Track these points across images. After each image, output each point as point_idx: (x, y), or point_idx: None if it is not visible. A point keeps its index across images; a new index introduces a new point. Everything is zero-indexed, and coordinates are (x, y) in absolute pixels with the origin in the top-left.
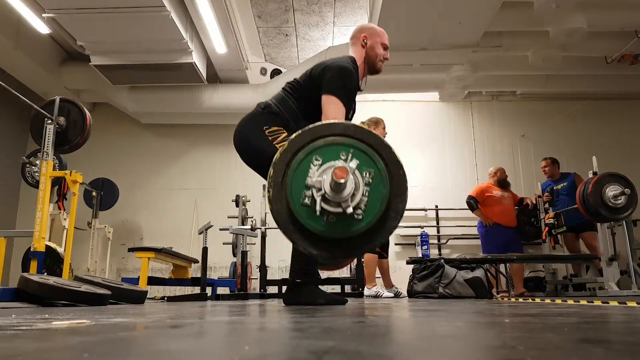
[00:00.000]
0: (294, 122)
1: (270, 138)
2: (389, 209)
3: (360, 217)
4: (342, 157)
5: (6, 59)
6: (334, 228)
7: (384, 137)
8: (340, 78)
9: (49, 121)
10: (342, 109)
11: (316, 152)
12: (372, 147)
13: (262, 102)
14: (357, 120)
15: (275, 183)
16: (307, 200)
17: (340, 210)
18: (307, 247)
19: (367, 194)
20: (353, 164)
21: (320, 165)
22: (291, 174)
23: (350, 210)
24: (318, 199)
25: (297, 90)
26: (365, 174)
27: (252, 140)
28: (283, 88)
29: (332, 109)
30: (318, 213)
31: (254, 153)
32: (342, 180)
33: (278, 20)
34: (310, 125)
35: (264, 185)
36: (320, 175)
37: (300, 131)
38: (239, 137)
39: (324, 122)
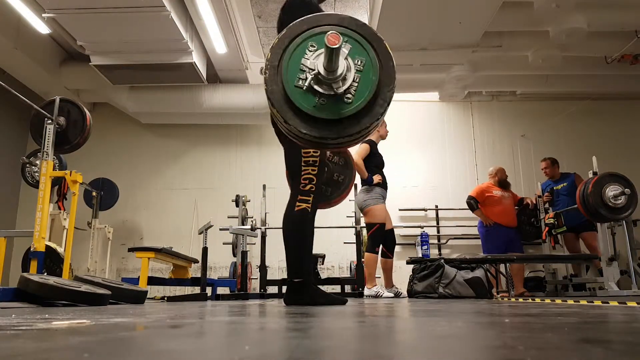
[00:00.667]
0: None
1: None
2: (377, 96)
3: (349, 100)
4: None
5: (6, 59)
6: (325, 109)
7: (386, 136)
8: (303, 5)
9: (49, 121)
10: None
11: (312, 38)
12: (365, 38)
13: None
14: None
15: (272, 66)
16: (301, 82)
17: (331, 92)
18: (298, 126)
19: (357, 80)
20: (346, 48)
21: (316, 50)
22: (287, 56)
23: (341, 90)
24: (310, 78)
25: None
26: (357, 61)
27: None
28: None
29: None
30: (311, 92)
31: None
32: (336, 45)
33: None
34: (307, 16)
35: (263, 185)
36: (315, 58)
37: (298, 20)
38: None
39: (321, 13)
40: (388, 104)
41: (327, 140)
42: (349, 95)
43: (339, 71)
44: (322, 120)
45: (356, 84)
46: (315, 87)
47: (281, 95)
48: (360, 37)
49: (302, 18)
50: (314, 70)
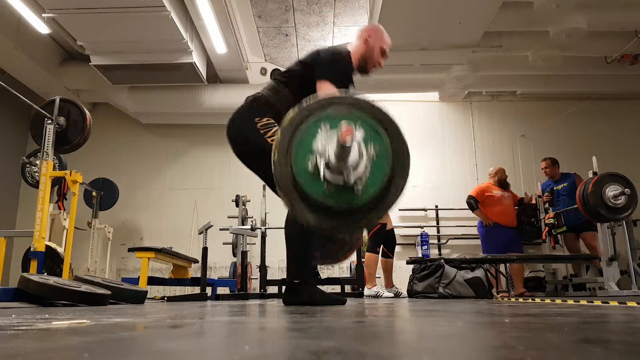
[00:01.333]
0: (285, 111)
1: (262, 131)
2: (390, 184)
3: (360, 189)
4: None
5: (6, 59)
6: (334, 197)
7: None
8: (334, 63)
9: (49, 121)
10: (335, 92)
11: (325, 119)
12: (379, 121)
13: (250, 95)
14: None
15: (281, 147)
16: (310, 166)
17: (341, 179)
18: (305, 215)
19: (369, 167)
20: (359, 135)
21: (328, 132)
22: (298, 138)
23: (351, 180)
24: (321, 165)
25: (291, 78)
26: (370, 147)
27: (244, 133)
28: (274, 78)
29: (325, 93)
30: (321, 179)
31: (246, 145)
32: (348, 139)
33: (278, 20)
34: (321, 95)
35: (264, 185)
36: (326, 142)
37: (310, 99)
38: (231, 130)
39: (334, 93)
40: (402, 192)
41: (335, 229)
42: (360, 184)
43: (351, 160)
44: (331, 210)
45: (368, 172)
46: (326, 173)
47: (289, 179)
48: (374, 121)
49: (316, 97)
50: (324, 155)
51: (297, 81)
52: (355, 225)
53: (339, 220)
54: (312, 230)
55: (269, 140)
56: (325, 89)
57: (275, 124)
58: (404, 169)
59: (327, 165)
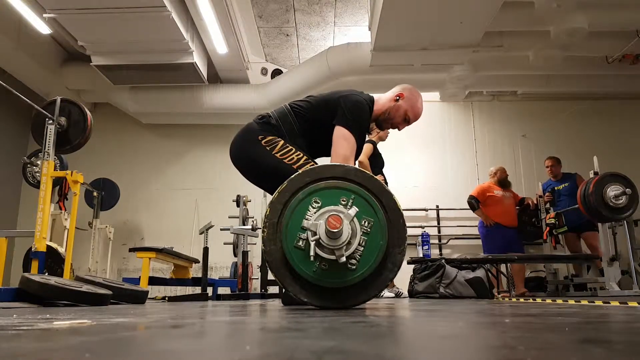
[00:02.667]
0: (289, 138)
1: (268, 148)
2: (386, 259)
3: (354, 267)
4: (343, 202)
5: (7, 59)
6: (327, 276)
7: (386, 137)
8: (355, 111)
9: (50, 121)
10: (353, 143)
11: (316, 194)
12: (373, 193)
13: (259, 114)
14: None
15: (270, 223)
16: (301, 243)
17: (333, 257)
18: (297, 294)
19: (364, 243)
20: (352, 211)
21: (320, 208)
22: (288, 214)
23: (343, 259)
24: (312, 244)
25: (305, 109)
26: (365, 222)
27: (249, 151)
28: (289, 104)
29: (342, 143)
30: (311, 258)
31: (252, 163)
32: (336, 230)
33: (279, 21)
34: (311, 166)
35: None
36: (317, 218)
37: (300, 171)
38: (235, 149)
39: (324, 164)
40: (399, 268)
41: (328, 309)
42: (353, 261)
43: (343, 238)
44: (324, 288)
45: (362, 248)
46: (317, 251)
47: (279, 256)
48: (367, 194)
49: (306, 170)
50: (315, 234)
51: (313, 115)
52: (350, 303)
53: (333, 298)
54: None
55: (276, 155)
56: (342, 137)
57: (280, 140)
58: (401, 242)
59: (319, 243)
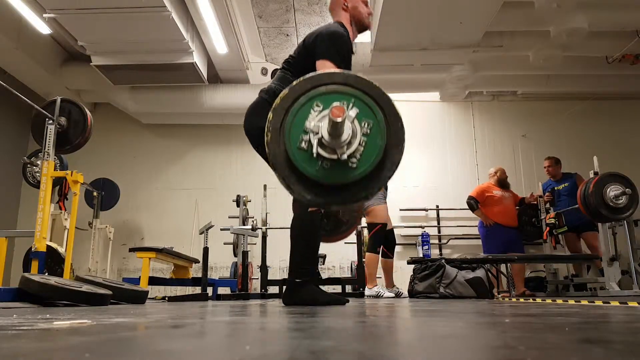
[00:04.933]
0: None
1: None
2: (385, 159)
3: (354, 165)
4: (343, 105)
5: (7, 59)
6: (329, 174)
7: None
8: (333, 42)
9: (50, 121)
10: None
11: (317, 98)
12: (372, 97)
13: (264, 88)
14: None
15: (274, 128)
16: (304, 144)
17: (335, 156)
18: (301, 192)
19: (363, 143)
20: (353, 112)
21: (321, 111)
22: (290, 118)
23: (345, 157)
24: (315, 143)
25: (293, 64)
26: (364, 124)
27: (259, 126)
28: (281, 68)
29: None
30: (314, 156)
31: (260, 136)
32: (339, 119)
33: (279, 21)
34: (312, 74)
35: (264, 185)
36: (319, 120)
37: (301, 78)
38: (247, 125)
39: (324, 71)
40: (397, 167)
41: (332, 205)
42: (354, 160)
43: (344, 137)
44: (327, 186)
45: (362, 148)
46: (319, 150)
47: (283, 158)
48: (367, 98)
49: (306, 77)
50: (317, 133)
51: (301, 65)
52: (351, 200)
53: (335, 195)
54: (315, 225)
55: None
56: (325, 68)
57: None
58: (399, 144)
59: (321, 142)
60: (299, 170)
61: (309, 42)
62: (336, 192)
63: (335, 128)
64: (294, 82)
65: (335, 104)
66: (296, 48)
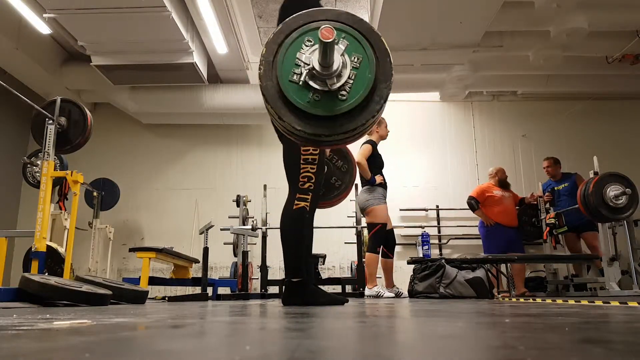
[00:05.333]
0: None
1: None
2: (373, 93)
3: (344, 97)
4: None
5: (7, 59)
6: (319, 105)
7: (386, 136)
8: None
9: (50, 121)
10: None
11: (308, 33)
12: (362, 34)
13: None
14: None
15: (266, 61)
16: (295, 77)
17: (326, 88)
18: (292, 122)
19: (353, 77)
20: (342, 45)
21: (312, 45)
22: (283, 50)
23: (335, 87)
24: (305, 73)
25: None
26: (354, 58)
27: None
28: None
29: None
30: (305, 87)
31: None
32: (329, 40)
33: None
34: (304, 11)
35: (264, 185)
36: (310, 54)
37: (294, 15)
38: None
39: (317, 8)
40: (384, 101)
41: (321, 137)
42: (343, 92)
43: (334, 67)
44: (316, 117)
45: (351, 81)
46: (310, 82)
47: (275, 90)
48: (357, 33)
49: (299, 13)
50: (308, 65)
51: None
52: (341, 131)
53: (325, 126)
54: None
55: None
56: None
57: None
58: (387, 78)
59: (312, 73)
60: (290, 102)
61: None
62: (325, 123)
63: (326, 55)
64: (287, 19)
65: (325, 25)
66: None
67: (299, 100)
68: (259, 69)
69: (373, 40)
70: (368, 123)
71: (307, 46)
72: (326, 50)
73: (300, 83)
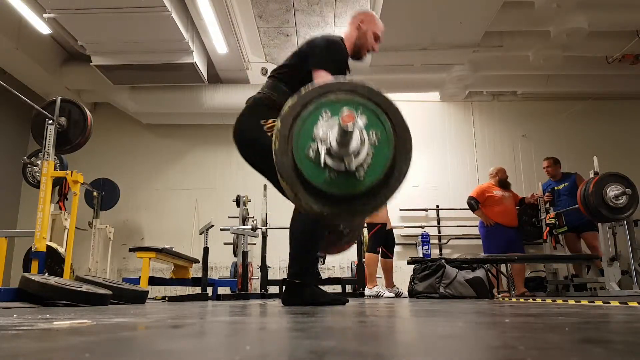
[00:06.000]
0: None
1: (269, 133)
2: (392, 169)
3: (362, 176)
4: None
5: (7, 59)
6: (337, 184)
7: None
8: (328, 51)
9: (50, 121)
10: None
11: (326, 106)
12: (380, 107)
13: (251, 97)
14: None
15: (282, 135)
16: (311, 153)
17: (343, 166)
18: (309, 202)
19: (371, 153)
20: (361, 121)
21: (329, 119)
22: (299, 125)
23: (353, 167)
24: (323, 152)
25: (287, 73)
26: (372, 133)
27: (251, 136)
28: (271, 75)
29: (321, 79)
30: (322, 165)
31: (254, 148)
32: (349, 126)
33: (279, 21)
34: (320, 82)
35: (264, 185)
36: (327, 128)
37: (309, 86)
38: (237, 134)
39: (333, 80)
40: (404, 177)
41: (339, 216)
42: (361, 170)
43: (353, 146)
44: (334, 196)
45: (370, 159)
46: (327, 160)
47: (291, 167)
48: (375, 107)
49: (315, 83)
50: (325, 142)
51: (295, 74)
52: (359, 211)
53: (342, 206)
54: (317, 226)
55: None
56: (320, 78)
57: None
58: (407, 154)
59: (329, 152)
60: (306, 180)
61: (304, 50)
62: (344, 203)
63: (345, 136)
64: (302, 91)
65: (346, 109)
66: (291, 55)
67: (315, 178)
68: (274, 144)
69: (392, 114)
70: (388, 199)
71: (323, 119)
72: (345, 135)
73: (317, 160)
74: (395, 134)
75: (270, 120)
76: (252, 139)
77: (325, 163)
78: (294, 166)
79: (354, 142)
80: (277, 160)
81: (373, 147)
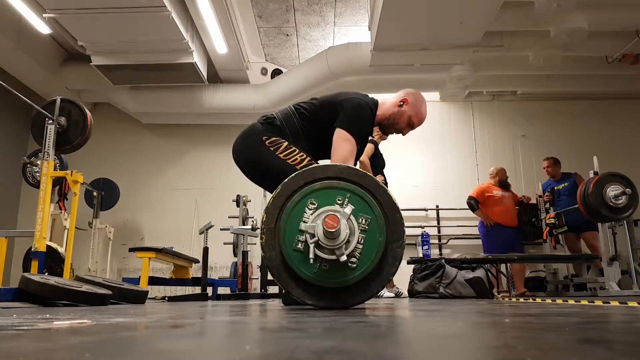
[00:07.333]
0: (293, 139)
1: (272, 148)
2: (386, 255)
3: (355, 265)
4: (339, 202)
5: (7, 59)
6: (328, 276)
7: (387, 136)
8: (356, 119)
9: (50, 121)
10: (353, 145)
11: (311, 195)
12: (368, 190)
13: (264, 115)
14: None
15: (268, 229)
16: (300, 246)
17: (334, 257)
18: (300, 296)
19: (362, 241)
20: (348, 209)
21: (316, 209)
22: (285, 217)
23: (344, 258)
24: (311, 246)
25: (309, 111)
26: (362, 220)
27: (253, 152)
28: (293, 105)
29: (342, 145)
30: (311, 260)
31: (256, 165)
32: (334, 230)
33: (279, 20)
34: (304, 169)
35: None
36: (314, 220)
37: (293, 175)
38: (239, 150)
39: (318, 165)
40: (399, 262)
41: (334, 309)
42: (353, 259)
43: (341, 237)
44: (327, 289)
45: (361, 246)
46: (317, 252)
47: (279, 261)
48: (362, 192)
49: (298, 172)
50: (314, 236)
51: (314, 116)
52: (355, 301)
53: (338, 298)
54: None
55: (280, 156)
56: (342, 139)
57: (285, 141)
58: (399, 236)
59: (318, 244)
60: (296, 273)
61: (335, 102)
62: (337, 295)
63: (332, 235)
64: (287, 179)
65: (329, 213)
66: (320, 98)
67: (305, 272)
68: (261, 237)
69: (380, 196)
70: (383, 287)
71: (310, 209)
72: (332, 234)
73: (306, 252)
74: (386, 217)
75: (273, 137)
76: (252, 155)
77: (315, 256)
78: (283, 260)
79: (343, 233)
80: (265, 255)
81: (364, 233)
